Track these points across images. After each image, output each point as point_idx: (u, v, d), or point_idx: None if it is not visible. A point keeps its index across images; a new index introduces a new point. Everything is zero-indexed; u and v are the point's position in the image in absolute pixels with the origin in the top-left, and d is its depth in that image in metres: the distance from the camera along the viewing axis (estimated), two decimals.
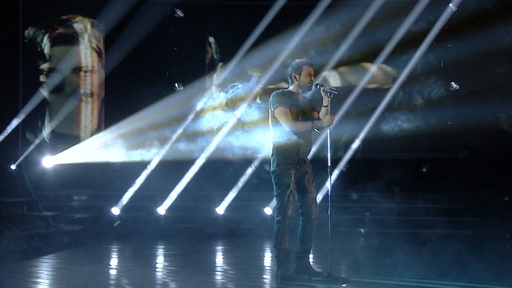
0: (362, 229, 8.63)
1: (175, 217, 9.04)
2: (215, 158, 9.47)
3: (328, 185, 5.28)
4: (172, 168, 9.26)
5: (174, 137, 9.41)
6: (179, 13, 10.17)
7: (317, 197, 5.28)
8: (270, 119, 5.29)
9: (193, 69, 10.16)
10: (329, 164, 5.21)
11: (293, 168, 5.15)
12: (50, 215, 7.87)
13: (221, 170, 9.44)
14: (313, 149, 5.63)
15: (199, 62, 10.42)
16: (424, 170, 9.51)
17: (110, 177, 9.37)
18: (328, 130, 5.25)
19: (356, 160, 9.47)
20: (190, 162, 9.31)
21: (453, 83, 9.30)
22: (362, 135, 9.30)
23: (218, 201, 9.15)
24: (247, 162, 9.34)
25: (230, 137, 9.46)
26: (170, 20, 10.14)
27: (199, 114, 9.80)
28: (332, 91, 5.22)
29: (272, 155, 5.26)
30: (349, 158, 9.38)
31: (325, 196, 8.82)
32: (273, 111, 5.20)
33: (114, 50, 9.74)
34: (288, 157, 5.17)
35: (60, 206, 8.82)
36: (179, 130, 9.46)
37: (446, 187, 9.00)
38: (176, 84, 10.06)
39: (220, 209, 9.13)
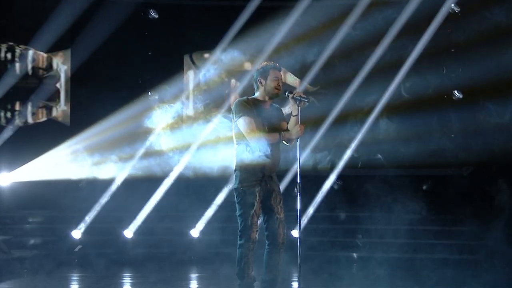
0: (354, 254, 8.61)
1: (144, 240, 9.00)
2: (191, 175, 9.45)
3: (298, 204, 5.18)
4: (140, 186, 9.23)
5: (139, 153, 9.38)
6: (154, 14, 10.16)
7: (284, 218, 5.23)
8: (233, 130, 5.26)
9: (169, 75, 10.17)
10: (298, 181, 5.14)
11: (257, 186, 5.10)
12: (0, 239, 7.82)
13: (197, 187, 9.37)
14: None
15: (176, 69, 10.40)
16: (424, 187, 9.46)
17: (75, 196, 9.30)
18: (298, 142, 5.19)
19: (348, 176, 9.46)
20: (161, 179, 9.29)
21: (456, 91, 9.30)
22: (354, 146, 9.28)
23: (192, 222, 9.10)
24: (226, 178, 9.30)
25: (206, 151, 9.40)
26: (144, 21, 10.19)
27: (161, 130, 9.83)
28: (302, 98, 5.17)
29: (235, 171, 5.22)
30: (339, 174, 9.37)
31: (311, 218, 8.90)
32: (236, 121, 5.16)
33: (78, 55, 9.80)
34: (252, 173, 5.12)
35: (13, 229, 8.76)
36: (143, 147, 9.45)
37: (447, 206, 8.94)
38: (149, 92, 10.05)
39: (195, 232, 9.07)
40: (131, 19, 9.90)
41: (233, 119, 5.20)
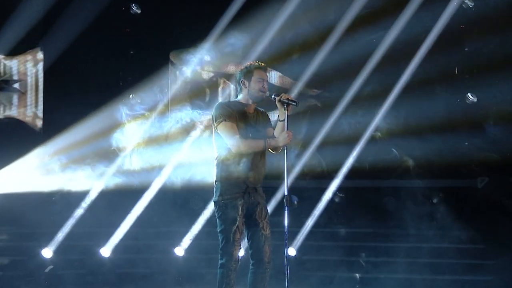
0: (357, 274, 8.63)
1: (122, 260, 8.98)
2: (175, 186, 9.48)
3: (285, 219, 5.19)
4: (119, 199, 9.24)
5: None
6: (136, 8, 10.19)
7: (270, 235, 5.24)
8: (213, 137, 5.28)
9: (153, 77, 10.18)
10: (285, 193, 5.14)
11: (240, 198, 5.12)
12: None
13: (182, 200, 9.39)
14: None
15: (162, 69, 10.42)
16: (434, 201, 9.46)
17: (46, 211, 9.29)
18: (285, 151, 5.20)
19: (350, 187, 9.50)
20: (141, 191, 9.28)
21: (469, 94, 9.31)
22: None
23: (177, 239, 9.09)
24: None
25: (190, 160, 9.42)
26: (125, 17, 10.22)
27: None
28: (289, 101, 5.19)
29: (215, 182, 5.24)
30: (341, 185, 9.39)
31: (309, 234, 8.89)
32: (216, 126, 5.17)
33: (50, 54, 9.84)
34: (235, 184, 5.14)
35: None
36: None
37: (460, 222, 8.95)
38: (131, 95, 10.07)
39: (180, 250, 9.06)
40: (110, 15, 9.91)
41: (213, 124, 5.21)
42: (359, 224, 9.12)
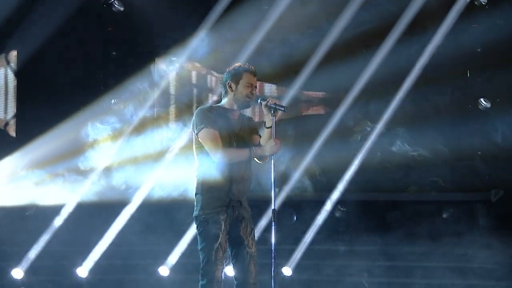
0: None
1: (101, 281, 8.98)
2: (157, 198, 9.43)
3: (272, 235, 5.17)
4: (97, 213, 9.23)
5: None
6: (118, 6, 10.22)
7: (256, 253, 5.23)
8: (193, 145, 5.28)
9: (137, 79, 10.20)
10: (273, 207, 5.14)
11: (223, 213, 5.12)
12: None
13: (167, 214, 9.36)
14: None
15: (145, 70, 10.44)
16: (444, 215, 9.47)
17: (16, 227, 9.29)
18: (273, 160, 5.20)
19: (350, 201, 9.50)
20: (121, 204, 9.27)
21: (482, 100, 9.36)
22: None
23: (161, 258, 9.08)
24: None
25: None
26: (107, 15, 10.23)
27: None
28: (277, 107, 5.19)
29: (196, 195, 5.24)
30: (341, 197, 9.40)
31: (306, 252, 8.89)
32: (197, 134, 5.18)
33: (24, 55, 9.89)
34: (217, 197, 5.13)
35: None
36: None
37: (472, 238, 8.95)
38: (112, 100, 10.09)
39: (164, 270, 9.05)
40: (90, 12, 9.99)
41: (193, 132, 5.21)
42: (361, 241, 9.14)
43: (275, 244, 5.16)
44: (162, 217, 9.37)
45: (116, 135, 9.76)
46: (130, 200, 9.32)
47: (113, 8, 10.22)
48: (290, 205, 9.38)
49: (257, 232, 8.46)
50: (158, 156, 9.56)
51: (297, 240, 9.03)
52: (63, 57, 9.92)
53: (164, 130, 10.08)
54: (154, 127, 10.06)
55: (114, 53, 10.39)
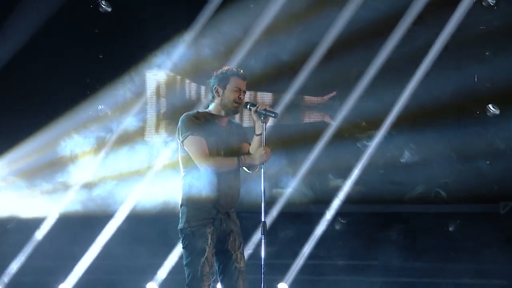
0: None
1: None
2: (145, 209, 9.42)
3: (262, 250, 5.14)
4: (80, 226, 9.22)
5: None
6: (106, 6, 10.22)
7: (244, 268, 5.20)
8: (179, 153, 5.25)
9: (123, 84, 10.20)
10: (262, 219, 5.10)
11: (209, 226, 5.08)
12: None
13: (156, 226, 9.34)
14: None
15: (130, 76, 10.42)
16: (450, 229, 9.47)
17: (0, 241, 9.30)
18: (263, 170, 5.16)
19: (350, 212, 9.54)
20: (106, 217, 9.27)
21: (490, 106, 9.39)
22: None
23: (150, 273, 9.05)
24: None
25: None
26: (93, 15, 10.24)
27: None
28: (267, 113, 5.16)
29: (181, 206, 5.21)
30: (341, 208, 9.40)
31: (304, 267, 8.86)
32: (183, 141, 5.14)
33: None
34: (203, 209, 5.10)
35: None
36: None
37: (480, 253, 8.96)
38: (99, 106, 10.09)
39: (153, 286, 9.03)
40: (76, 13, 9.99)
41: (179, 139, 5.18)
42: (362, 255, 9.18)
43: (265, 258, 5.13)
44: (150, 229, 9.37)
45: (99, 146, 9.75)
46: (115, 211, 9.32)
47: (100, 9, 10.23)
48: (286, 217, 9.43)
49: (252, 245, 8.47)
50: (143, 170, 9.55)
51: (294, 254, 9.04)
52: (48, 60, 9.89)
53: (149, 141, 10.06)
54: (138, 138, 10.04)
55: (100, 55, 10.39)
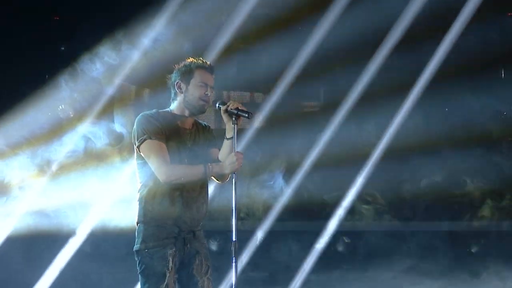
0: None
1: None
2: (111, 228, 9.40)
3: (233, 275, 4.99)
4: (35, 247, 9.24)
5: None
6: None
7: None
8: (135, 160, 5.13)
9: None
10: (233, 239, 4.94)
11: (171, 246, 4.97)
12: None
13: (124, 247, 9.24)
14: None
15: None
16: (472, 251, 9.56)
17: None
18: (234, 179, 4.99)
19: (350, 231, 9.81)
20: (65, 236, 9.27)
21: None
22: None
23: None
24: None
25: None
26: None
27: None
28: (240, 112, 5.00)
29: (137, 224, 5.09)
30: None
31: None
32: (138, 146, 5.01)
33: None
34: (163, 226, 4.99)
35: None
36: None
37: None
38: (60, 106, 10.14)
39: None
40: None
41: (134, 144, 5.04)
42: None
43: (236, 284, 4.97)
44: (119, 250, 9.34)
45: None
46: (75, 227, 9.39)
47: None
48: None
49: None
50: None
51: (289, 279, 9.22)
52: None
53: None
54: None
55: (62, 48, 10.52)
